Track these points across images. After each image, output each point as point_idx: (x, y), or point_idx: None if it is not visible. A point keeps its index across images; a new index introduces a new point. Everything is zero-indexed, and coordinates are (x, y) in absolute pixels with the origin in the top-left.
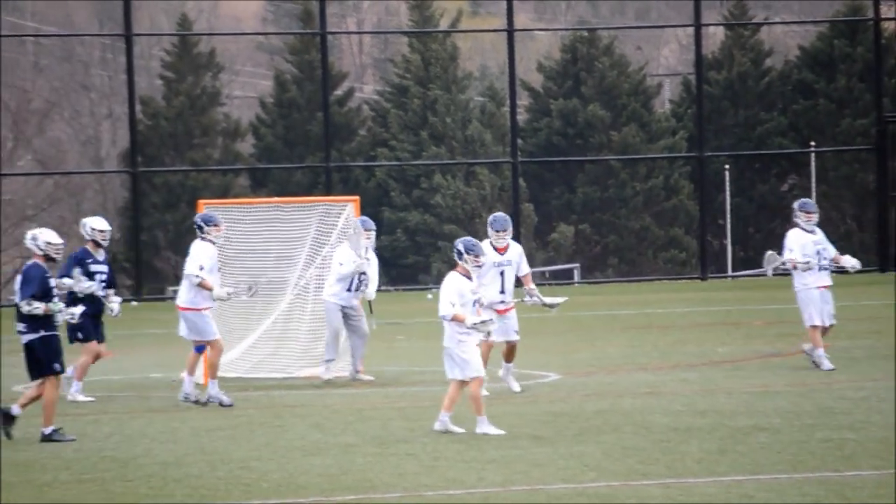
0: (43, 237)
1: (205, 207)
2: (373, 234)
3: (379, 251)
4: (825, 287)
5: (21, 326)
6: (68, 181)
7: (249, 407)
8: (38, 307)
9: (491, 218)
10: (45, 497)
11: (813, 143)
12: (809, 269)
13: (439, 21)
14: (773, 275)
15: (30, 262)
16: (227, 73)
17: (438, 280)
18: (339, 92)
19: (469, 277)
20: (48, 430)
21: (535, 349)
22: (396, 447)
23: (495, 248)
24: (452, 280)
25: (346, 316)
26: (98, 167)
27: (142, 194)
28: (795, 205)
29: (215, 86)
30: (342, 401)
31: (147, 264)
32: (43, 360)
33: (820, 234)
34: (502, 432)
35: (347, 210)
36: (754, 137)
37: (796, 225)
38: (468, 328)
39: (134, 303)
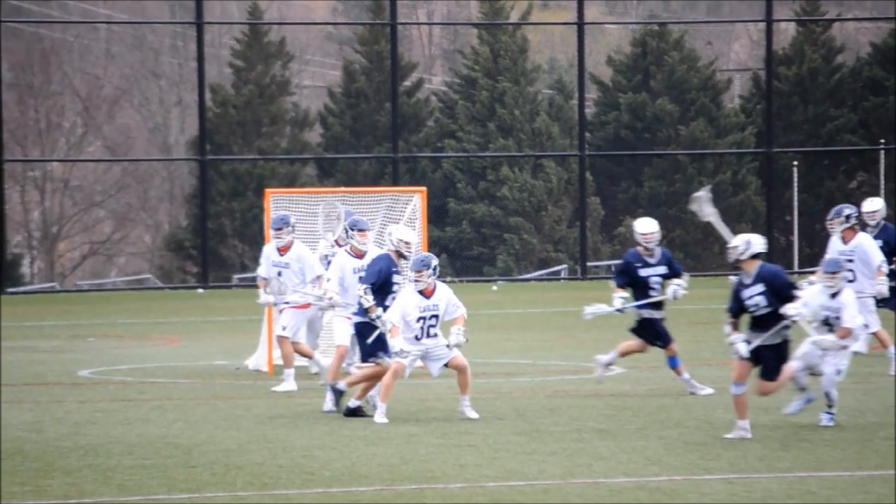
0: (397, 234)
1: (271, 196)
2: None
3: (445, 242)
4: (864, 297)
5: (358, 308)
6: (136, 168)
7: (312, 395)
8: (370, 303)
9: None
10: (109, 482)
11: (882, 141)
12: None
13: (509, 13)
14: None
15: (383, 253)
16: (297, 62)
17: (504, 272)
18: (407, 83)
19: (426, 295)
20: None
21: (599, 343)
22: (458, 438)
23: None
24: (406, 293)
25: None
26: (166, 154)
27: (209, 182)
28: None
29: (284, 75)
30: (405, 391)
31: (213, 252)
32: (374, 344)
33: (857, 244)
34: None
35: (414, 201)
36: (823, 134)
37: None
38: (396, 350)
39: (200, 290)
